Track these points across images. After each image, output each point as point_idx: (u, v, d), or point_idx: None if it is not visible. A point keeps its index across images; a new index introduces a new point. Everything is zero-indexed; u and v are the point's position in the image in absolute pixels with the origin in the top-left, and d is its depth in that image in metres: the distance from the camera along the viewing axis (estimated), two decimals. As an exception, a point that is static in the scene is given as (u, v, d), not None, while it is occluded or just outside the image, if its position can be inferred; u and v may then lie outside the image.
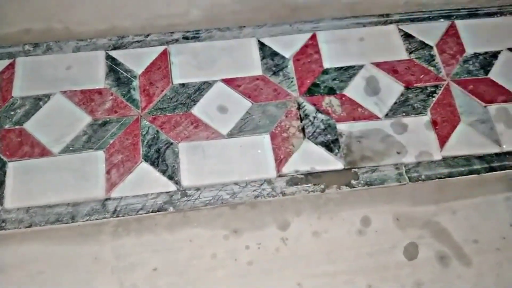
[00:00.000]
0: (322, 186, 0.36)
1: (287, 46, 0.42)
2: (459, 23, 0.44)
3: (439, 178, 0.37)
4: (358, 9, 0.45)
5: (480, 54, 0.42)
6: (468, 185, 0.37)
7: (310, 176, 0.37)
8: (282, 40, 0.42)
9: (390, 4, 0.45)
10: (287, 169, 0.36)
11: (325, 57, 0.41)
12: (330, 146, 0.37)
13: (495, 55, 0.42)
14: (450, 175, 0.37)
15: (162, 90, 0.39)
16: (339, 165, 0.37)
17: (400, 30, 0.43)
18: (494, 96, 0.40)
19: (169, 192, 0.35)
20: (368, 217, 0.36)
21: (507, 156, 0.38)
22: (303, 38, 0.42)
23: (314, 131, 0.38)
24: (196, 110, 0.38)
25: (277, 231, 0.35)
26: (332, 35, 0.42)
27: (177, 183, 0.35)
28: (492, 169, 0.38)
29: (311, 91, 0.40)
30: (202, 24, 0.43)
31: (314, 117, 0.38)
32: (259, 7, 0.44)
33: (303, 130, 0.38)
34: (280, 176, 0.36)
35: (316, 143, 0.38)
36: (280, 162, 0.37)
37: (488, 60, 0.42)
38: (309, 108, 0.39)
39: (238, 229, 0.35)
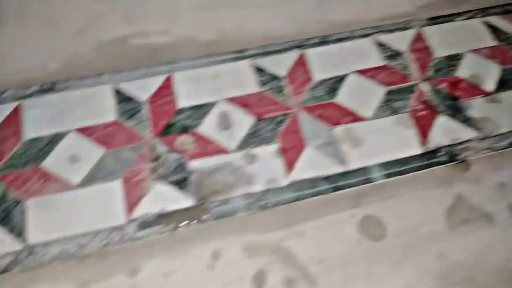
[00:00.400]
0: (173, 225, 0.37)
1: (143, 89, 0.43)
2: (309, 51, 0.47)
3: (287, 203, 0.39)
4: (215, 47, 0.47)
5: (328, 79, 0.45)
6: (315, 206, 0.39)
7: (161, 217, 0.38)
8: (138, 84, 0.43)
9: (247, 39, 0.47)
10: (138, 213, 0.37)
11: (180, 97, 0.43)
12: (181, 184, 0.39)
13: (342, 79, 0.45)
14: (297, 199, 0.39)
15: (13, 147, 0.39)
16: (190, 202, 0.38)
17: (253, 64, 0.45)
18: (340, 118, 0.43)
19: (15, 251, 0.35)
20: (218, 250, 0.37)
21: (352, 174, 0.41)
22: (159, 80, 0.44)
23: (166, 172, 0.39)
24: (46, 164, 0.39)
25: (126, 279, 0.35)
26: (188, 75, 0.44)
27: (24, 241, 0.36)
28: (337, 189, 0.40)
29: (166, 131, 0.41)
30: (60, 75, 0.44)
31: (167, 158, 0.40)
32: (118, 53, 0.45)
33: (155, 171, 0.39)
34: (130, 221, 0.37)
35: (168, 183, 0.39)
36: (131, 206, 0.37)
37: (335, 84, 0.45)
38: (162, 149, 0.40)
39: (86, 281, 0.35)
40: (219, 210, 0.38)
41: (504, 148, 0.43)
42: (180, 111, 0.42)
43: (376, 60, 0.46)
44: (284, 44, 0.47)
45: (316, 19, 0.49)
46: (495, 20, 0.50)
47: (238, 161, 0.40)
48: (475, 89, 0.45)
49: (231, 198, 0.39)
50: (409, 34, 0.48)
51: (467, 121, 0.43)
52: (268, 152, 0.41)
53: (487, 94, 0.45)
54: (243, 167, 0.40)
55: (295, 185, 0.40)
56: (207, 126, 0.42)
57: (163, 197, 0.38)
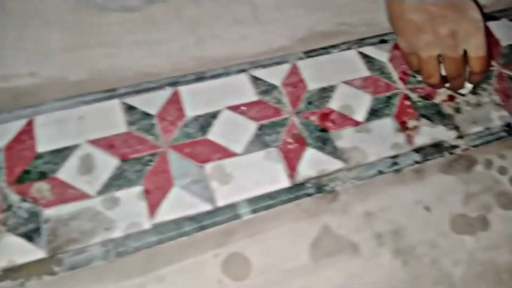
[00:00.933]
0: (22, 280, 0.35)
1: (1, 136, 0.41)
2: (183, 88, 0.47)
3: (148, 247, 0.38)
4: (86, 87, 0.46)
5: (200, 116, 0.45)
6: (178, 249, 0.38)
7: (9, 272, 0.35)
8: (-3, 129, 0.41)
9: (120, 78, 0.47)
10: (-20, 269, 0.35)
11: (40, 141, 0.41)
12: (33, 235, 0.37)
13: (215, 115, 0.45)
14: (160, 242, 0.38)
15: None
16: (41, 254, 0.36)
17: (124, 103, 0.45)
18: (210, 155, 0.43)
19: None
20: (69, 304, 0.35)
21: (219, 211, 0.40)
22: (19, 125, 0.42)
23: (16, 222, 0.37)
24: None
25: None
26: (52, 117, 0.43)
27: None
28: (203, 228, 0.39)
29: (21, 179, 0.39)
30: None
31: (19, 207, 0.38)
32: (-21, 97, 0.43)
33: (5, 223, 0.37)
34: (-29, 279, 0.34)
35: (17, 235, 0.37)
36: (-27, 263, 0.35)
37: (208, 121, 0.45)
38: (14, 198, 0.38)
39: None
40: (74, 260, 0.36)
41: (371, 177, 0.44)
42: (39, 156, 0.41)
43: (251, 95, 0.47)
44: (158, 82, 0.47)
45: (192, 56, 0.49)
46: (370, 50, 0.52)
47: (99, 206, 0.39)
48: (345, 120, 0.46)
49: (87, 246, 0.37)
50: (285, 68, 0.49)
51: (335, 152, 0.44)
52: (131, 195, 0.40)
53: (356, 123, 0.46)
54: (103, 212, 0.39)
55: (158, 228, 0.39)
56: (67, 171, 0.40)
57: (12, 250, 0.36)
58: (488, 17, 0.58)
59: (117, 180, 0.40)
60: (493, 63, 0.54)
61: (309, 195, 0.42)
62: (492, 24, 0.58)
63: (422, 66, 0.44)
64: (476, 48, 0.42)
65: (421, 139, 0.47)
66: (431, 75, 0.44)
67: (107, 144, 0.42)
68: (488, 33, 0.45)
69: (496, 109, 0.50)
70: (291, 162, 0.43)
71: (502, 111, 0.50)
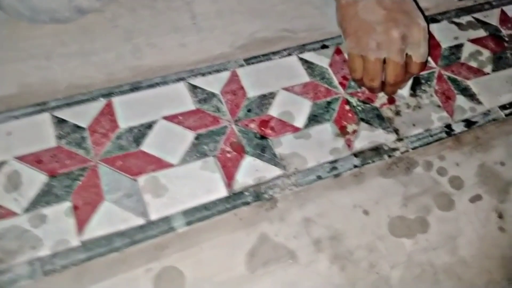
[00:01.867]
0: None
1: None
2: (117, 99, 0.45)
3: (76, 265, 0.36)
4: (15, 102, 0.44)
5: (135, 127, 0.44)
6: (108, 265, 0.37)
7: None
8: None
9: (50, 90, 0.45)
10: None
11: (-36, 159, 0.39)
12: (-51, 259, 0.35)
13: (150, 125, 0.44)
14: (89, 259, 0.37)
15: None
16: (-42, 278, 0.34)
17: (54, 117, 0.43)
18: (144, 167, 0.42)
19: None
20: (-14, 330, 0.33)
21: (152, 225, 0.39)
22: None
23: None
24: None
25: None
26: (-23, 134, 0.41)
27: None
28: (134, 243, 0.38)
29: None
30: None
31: None
32: None
33: None
34: None
35: None
36: None
37: (142, 132, 0.44)
38: None
39: None
40: (-5, 283, 0.35)
41: (310, 183, 0.43)
42: (-39, 175, 0.39)
43: (189, 104, 0.46)
44: (91, 94, 0.45)
45: (128, 66, 0.48)
46: (311, 55, 0.52)
47: (25, 224, 0.38)
48: (285, 126, 0.46)
49: (12, 266, 0.36)
50: (224, 75, 0.49)
51: (274, 159, 0.44)
52: (59, 212, 0.38)
53: (296, 130, 0.46)
54: (30, 230, 0.37)
55: (87, 245, 0.37)
56: (-8, 189, 0.38)
57: None
58: (429, 19, 0.59)
59: (45, 197, 0.39)
60: (434, 65, 0.54)
61: (247, 203, 0.41)
62: (433, 26, 0.58)
63: (368, 68, 0.44)
64: (420, 55, 0.44)
65: (360, 143, 0.47)
66: (375, 77, 0.44)
67: (35, 159, 0.40)
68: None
69: (436, 111, 0.50)
70: (229, 171, 0.43)
71: (442, 112, 0.50)
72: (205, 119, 0.45)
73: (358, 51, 0.44)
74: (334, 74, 0.51)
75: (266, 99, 0.48)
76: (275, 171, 0.43)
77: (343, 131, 0.47)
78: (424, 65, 0.45)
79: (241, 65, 0.50)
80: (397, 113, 0.50)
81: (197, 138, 0.44)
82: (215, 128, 0.45)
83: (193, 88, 0.47)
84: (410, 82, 0.51)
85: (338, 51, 0.53)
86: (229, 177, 0.42)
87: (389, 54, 0.43)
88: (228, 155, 0.43)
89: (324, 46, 0.54)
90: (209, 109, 0.46)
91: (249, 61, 0.51)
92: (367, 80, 0.45)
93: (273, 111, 0.47)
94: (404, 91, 0.51)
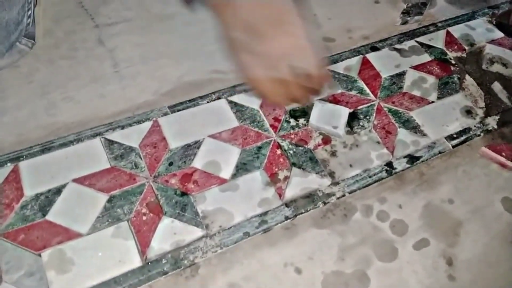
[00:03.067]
0: None
1: None
2: (25, 164, 0.42)
3: None
4: None
5: (41, 193, 0.40)
6: None
7: None
8: None
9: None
10: None
11: None
12: None
13: (59, 191, 0.40)
14: None
15: None
16: None
17: (-48, 189, 0.39)
18: (49, 240, 0.38)
19: None
20: None
21: (55, 308, 0.35)
22: None
23: None
24: None
25: None
26: None
27: None
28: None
29: None
30: None
31: None
32: None
33: None
34: None
35: None
36: None
37: (49, 198, 0.40)
38: None
39: None
40: None
41: (236, 242, 0.39)
42: None
43: (103, 162, 0.43)
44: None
45: (41, 124, 0.45)
46: (242, 97, 0.49)
47: None
48: (210, 179, 0.42)
49: None
50: (146, 126, 0.45)
51: (196, 218, 0.40)
52: None
53: (222, 181, 0.42)
54: None
55: None
56: None
57: None
58: (369, 48, 0.56)
59: None
60: (373, 97, 0.51)
61: (165, 273, 0.37)
62: (372, 56, 0.55)
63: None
64: (310, 66, 0.35)
65: (292, 191, 0.43)
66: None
67: None
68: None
69: (375, 148, 0.47)
70: (144, 236, 0.39)
71: (382, 149, 0.47)
72: (121, 178, 0.42)
73: (248, 78, 0.37)
74: (265, 116, 0.48)
75: (190, 149, 0.44)
76: (197, 232, 0.40)
77: (273, 179, 0.43)
78: (323, 76, 0.36)
79: (165, 114, 0.47)
80: (333, 153, 0.46)
81: (110, 200, 0.40)
82: (130, 188, 0.41)
83: (110, 143, 0.44)
84: (346, 119, 0.48)
85: (270, 90, 0.50)
86: (143, 244, 0.38)
87: (281, 75, 0.35)
88: (144, 218, 0.40)
89: (256, 86, 0.50)
90: (126, 166, 0.43)
91: (174, 108, 0.48)
92: (268, 98, 0.38)
93: (198, 162, 0.44)
94: (340, 129, 0.47)
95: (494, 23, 0.61)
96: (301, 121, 0.48)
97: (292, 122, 0.48)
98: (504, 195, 0.45)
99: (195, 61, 0.52)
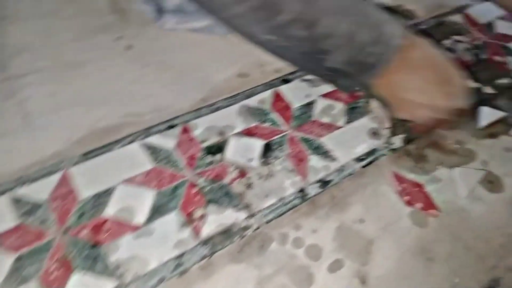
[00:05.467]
0: None
1: None
2: None
3: None
4: None
5: None
6: None
7: None
8: None
9: None
10: None
11: None
12: None
13: (-40, 256, 0.38)
14: None
15: None
16: None
17: None
18: None
19: None
20: None
21: None
22: None
23: None
24: None
25: None
26: None
27: None
28: None
29: None
30: None
31: None
32: None
33: None
34: None
35: None
36: None
37: (-50, 266, 0.37)
38: None
39: None
40: None
41: None
42: None
43: (8, 221, 0.41)
44: None
45: None
46: (156, 139, 0.49)
47: None
48: (122, 227, 0.42)
49: None
50: (55, 178, 0.44)
51: (108, 269, 0.39)
52: None
53: (136, 228, 0.42)
54: None
55: None
56: None
57: None
58: (281, 81, 0.59)
59: None
60: (285, 127, 0.54)
61: (76, 330, 0.36)
62: (285, 87, 0.58)
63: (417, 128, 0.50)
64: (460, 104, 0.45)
65: (209, 228, 0.44)
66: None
67: None
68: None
69: (289, 176, 0.49)
70: (53, 294, 0.37)
71: (295, 176, 0.49)
72: (28, 236, 0.40)
73: (407, 117, 0.47)
74: (181, 155, 0.48)
75: (102, 197, 0.44)
76: (108, 284, 0.39)
77: (190, 218, 0.44)
78: (464, 114, 0.47)
79: (76, 163, 0.46)
80: (249, 186, 0.47)
81: (17, 260, 0.39)
82: (38, 245, 0.40)
83: (17, 201, 0.42)
84: (261, 151, 0.50)
85: (185, 130, 0.51)
86: (53, 304, 0.37)
87: (441, 116, 0.45)
88: (53, 276, 0.38)
89: (171, 126, 0.51)
90: (34, 222, 0.41)
91: (86, 156, 0.47)
92: (413, 133, 0.52)
93: (110, 210, 0.43)
94: (255, 161, 0.49)
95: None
96: (217, 156, 0.49)
97: (208, 158, 0.49)
98: (411, 210, 0.48)
99: (108, 106, 0.52)
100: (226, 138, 0.51)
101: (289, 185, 0.48)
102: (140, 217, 0.43)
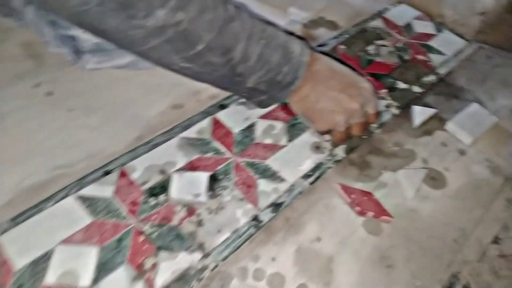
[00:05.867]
0: None
1: None
2: None
3: None
4: None
5: None
6: None
7: None
8: None
9: None
10: None
11: None
12: None
13: None
14: None
15: None
16: None
17: None
18: None
19: None
20: None
21: None
22: None
23: None
24: None
25: None
26: None
27: None
28: None
29: None
30: None
31: None
32: None
33: None
34: None
35: None
36: None
37: None
38: None
39: None
40: None
41: None
42: None
43: None
44: None
45: None
46: (92, 189, 0.45)
47: None
48: (66, 292, 0.38)
49: None
50: (-19, 253, 0.39)
51: None
52: None
53: (82, 291, 0.38)
54: None
55: None
56: None
57: None
58: (217, 107, 0.58)
59: None
60: (229, 154, 0.52)
61: None
62: (223, 113, 0.57)
63: (338, 135, 0.52)
64: (374, 108, 0.51)
65: (162, 278, 0.41)
66: (344, 139, 0.53)
67: None
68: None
69: (239, 206, 0.47)
70: None
71: (246, 204, 0.47)
72: (-46, 326, 0.35)
73: (328, 128, 0.50)
74: (121, 202, 0.45)
75: (40, 264, 0.40)
76: None
77: (140, 270, 0.41)
78: (378, 113, 0.53)
79: (5, 230, 0.42)
80: (199, 223, 0.45)
81: None
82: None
83: None
84: (207, 183, 0.48)
85: (123, 174, 0.48)
86: None
87: (354, 120, 0.49)
88: None
89: (107, 172, 0.48)
90: (-40, 308, 0.36)
91: (15, 220, 0.43)
92: (338, 142, 0.53)
93: (51, 277, 0.39)
94: (203, 196, 0.47)
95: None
96: (161, 197, 0.47)
97: (152, 201, 0.46)
98: (364, 219, 0.48)
99: (34, 160, 0.48)
100: (168, 176, 0.48)
101: (242, 215, 0.47)
102: (86, 279, 0.40)
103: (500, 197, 0.52)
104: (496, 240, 0.48)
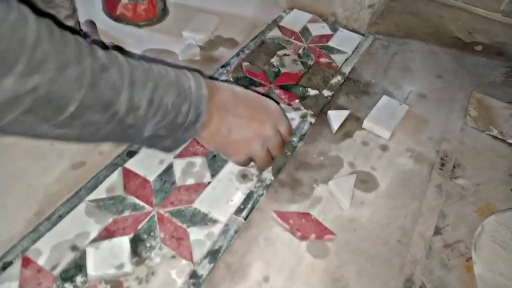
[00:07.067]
0: None
1: None
2: None
3: None
4: None
5: None
6: None
7: None
8: None
9: None
10: None
11: None
12: None
13: None
14: None
15: None
16: None
17: None
18: None
19: None
20: None
21: None
22: None
23: None
24: None
25: None
26: None
27: None
28: None
29: None
30: None
31: None
32: None
33: None
34: None
35: None
36: None
37: None
38: None
39: None
40: None
41: None
42: None
43: None
44: None
45: None
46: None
47: None
48: None
49: None
50: None
51: None
52: None
53: None
54: None
55: None
56: None
57: None
58: (126, 155, 0.51)
59: None
60: (149, 208, 0.46)
61: None
62: (133, 161, 0.50)
63: (261, 161, 0.48)
64: (286, 127, 0.49)
65: None
66: (269, 164, 0.49)
67: None
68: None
69: (172, 265, 0.42)
70: None
71: (180, 261, 0.42)
72: None
73: (246, 158, 0.47)
74: (29, 300, 0.37)
75: None
76: None
77: None
78: (291, 130, 0.50)
79: None
80: (130, 299, 0.38)
81: None
82: None
83: None
84: (129, 249, 0.41)
85: (26, 261, 0.39)
86: None
87: (270, 143, 0.47)
88: None
89: (6, 265, 0.39)
90: None
91: None
92: (264, 167, 0.50)
93: None
94: (127, 266, 0.40)
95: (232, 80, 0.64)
96: (78, 279, 0.39)
97: (67, 286, 0.39)
98: (307, 243, 0.45)
99: None
100: (82, 252, 0.41)
101: (177, 275, 0.41)
102: None
103: (430, 185, 0.52)
104: (437, 231, 0.48)
